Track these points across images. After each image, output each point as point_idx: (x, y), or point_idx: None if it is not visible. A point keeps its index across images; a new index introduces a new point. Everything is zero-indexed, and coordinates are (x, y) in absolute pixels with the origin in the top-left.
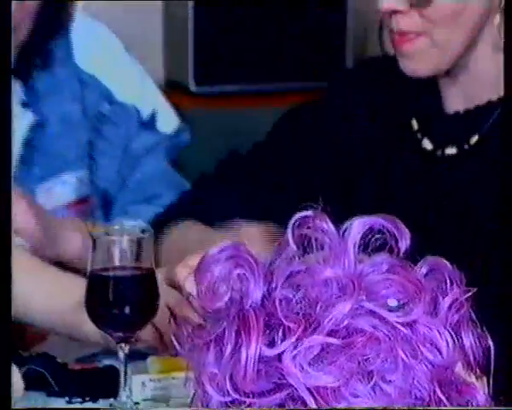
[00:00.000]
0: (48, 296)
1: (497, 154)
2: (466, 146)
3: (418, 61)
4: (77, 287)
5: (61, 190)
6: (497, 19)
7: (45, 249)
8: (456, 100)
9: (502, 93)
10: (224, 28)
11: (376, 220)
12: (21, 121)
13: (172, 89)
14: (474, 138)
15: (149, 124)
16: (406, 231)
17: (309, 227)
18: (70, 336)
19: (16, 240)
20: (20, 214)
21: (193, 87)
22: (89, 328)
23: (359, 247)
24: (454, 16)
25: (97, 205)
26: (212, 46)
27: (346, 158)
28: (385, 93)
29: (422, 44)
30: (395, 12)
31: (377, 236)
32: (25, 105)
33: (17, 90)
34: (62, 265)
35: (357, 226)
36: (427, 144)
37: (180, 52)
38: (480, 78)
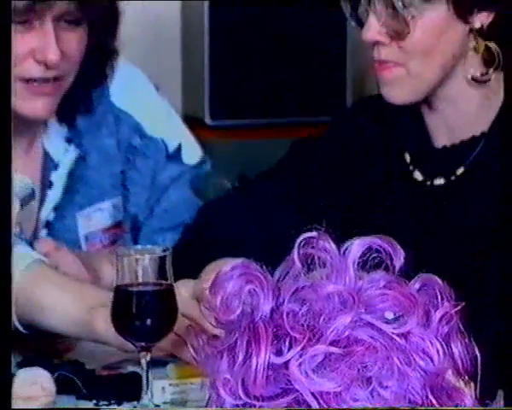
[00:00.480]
0: (66, 303)
1: (480, 184)
2: (453, 177)
3: (395, 88)
4: (89, 294)
5: (99, 216)
6: (471, 58)
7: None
8: (442, 135)
9: (484, 128)
10: (236, 69)
11: (374, 241)
12: (66, 155)
13: (190, 123)
14: (460, 170)
15: (175, 156)
16: (401, 250)
17: (313, 247)
18: (87, 338)
19: (34, 254)
20: (64, 262)
21: (208, 121)
22: (101, 329)
23: (358, 264)
24: (428, 50)
25: (128, 229)
26: (226, 85)
27: (345, 186)
28: (380, 129)
29: (399, 73)
30: (377, 43)
31: (374, 255)
32: (68, 141)
33: (62, 129)
34: None
35: (357, 246)
36: (418, 176)
37: (197, 90)
38: (460, 112)
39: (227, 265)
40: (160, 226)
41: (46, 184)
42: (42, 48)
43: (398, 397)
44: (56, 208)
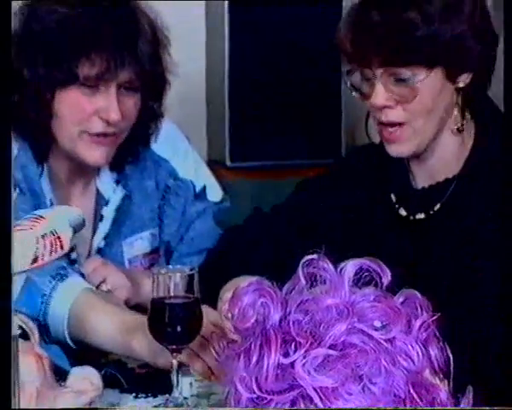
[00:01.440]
0: (108, 326)
1: (454, 217)
2: (431, 212)
3: (403, 144)
4: (127, 318)
5: (140, 243)
6: (455, 112)
7: (133, 297)
8: (422, 178)
9: (456, 171)
10: (251, 120)
11: (365, 262)
12: (114, 194)
13: (213, 165)
14: (437, 206)
15: (201, 195)
16: (387, 270)
17: (314, 267)
18: (125, 355)
19: (84, 283)
20: (114, 277)
21: (228, 163)
22: (137, 348)
23: (352, 282)
24: (429, 110)
25: (162, 254)
26: (243, 133)
27: (342, 220)
28: (371, 174)
29: (406, 132)
30: (384, 107)
31: (366, 274)
32: (117, 182)
33: (112, 174)
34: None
35: (351, 266)
36: (402, 212)
37: (219, 137)
38: (441, 159)
39: (244, 281)
40: (187, 252)
41: (98, 218)
42: (106, 108)
43: (384, 392)
44: (106, 237)
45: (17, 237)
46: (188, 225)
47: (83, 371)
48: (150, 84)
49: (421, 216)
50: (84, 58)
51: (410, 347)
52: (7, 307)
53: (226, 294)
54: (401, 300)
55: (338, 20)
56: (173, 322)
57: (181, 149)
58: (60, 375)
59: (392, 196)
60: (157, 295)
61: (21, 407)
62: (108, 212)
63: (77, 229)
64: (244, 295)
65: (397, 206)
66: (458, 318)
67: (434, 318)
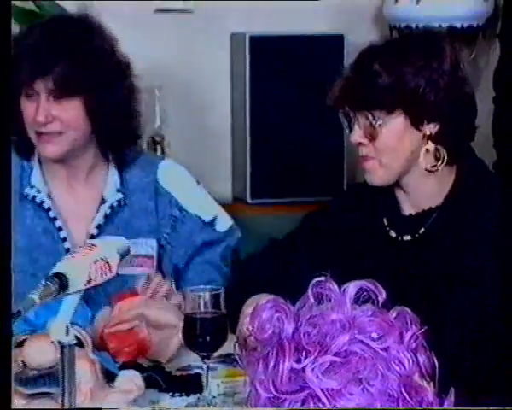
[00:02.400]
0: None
1: (436, 239)
2: (417, 235)
3: (372, 175)
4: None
5: (133, 246)
6: (422, 155)
7: None
8: (408, 206)
9: (439, 201)
10: (269, 164)
11: (364, 283)
12: (112, 197)
13: (237, 201)
14: (422, 230)
15: (209, 225)
16: (382, 290)
17: (321, 287)
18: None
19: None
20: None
21: (249, 200)
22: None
23: (353, 300)
24: (392, 149)
25: (172, 275)
26: (261, 175)
27: (343, 243)
28: (367, 204)
29: (374, 165)
30: (359, 143)
31: (364, 293)
32: (117, 191)
33: (117, 180)
34: None
35: (352, 287)
36: (392, 234)
37: (241, 178)
38: (420, 191)
39: (262, 299)
40: (193, 277)
41: (96, 212)
42: (35, 113)
43: (380, 392)
44: (98, 226)
45: (73, 262)
46: (195, 251)
47: (128, 373)
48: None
49: (408, 238)
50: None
51: (401, 355)
52: (6, 310)
53: (247, 309)
54: (394, 315)
55: None
56: (203, 333)
57: (186, 187)
58: (109, 377)
59: (384, 220)
60: (190, 311)
61: (77, 404)
62: (104, 208)
63: (123, 255)
64: (262, 311)
65: (387, 228)
66: (442, 330)
67: (422, 331)
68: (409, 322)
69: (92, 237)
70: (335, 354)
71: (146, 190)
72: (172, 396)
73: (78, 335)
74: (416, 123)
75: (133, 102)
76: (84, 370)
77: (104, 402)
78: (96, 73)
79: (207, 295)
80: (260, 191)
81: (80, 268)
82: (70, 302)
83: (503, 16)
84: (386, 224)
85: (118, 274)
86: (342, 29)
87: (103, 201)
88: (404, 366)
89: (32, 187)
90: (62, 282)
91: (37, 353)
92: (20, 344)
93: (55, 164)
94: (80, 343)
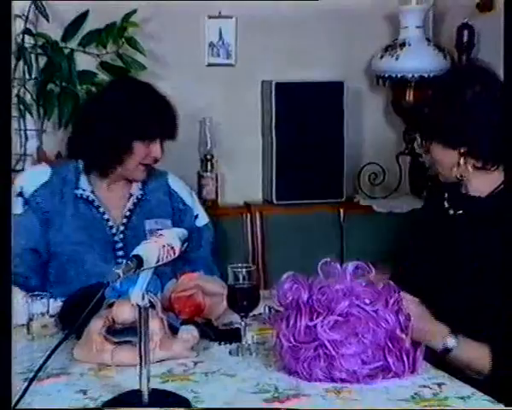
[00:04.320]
0: None
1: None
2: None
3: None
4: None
5: (154, 224)
6: (457, 166)
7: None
8: (464, 192)
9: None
10: (289, 175)
11: (359, 263)
12: (136, 192)
13: (265, 203)
14: (471, 208)
15: (197, 217)
16: (372, 268)
17: (328, 266)
18: None
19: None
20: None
21: (275, 201)
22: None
23: (352, 274)
24: (438, 162)
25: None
26: (284, 182)
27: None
28: (438, 196)
29: (436, 170)
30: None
31: (360, 270)
32: (140, 189)
33: (139, 187)
34: None
35: (351, 266)
36: (450, 211)
37: (268, 185)
38: (471, 186)
39: (286, 275)
40: (198, 253)
41: (126, 203)
42: (156, 152)
43: (371, 343)
44: (129, 210)
45: (147, 247)
46: (195, 232)
47: (187, 328)
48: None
49: (460, 212)
50: (149, 127)
51: (387, 315)
52: (6, 311)
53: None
54: (381, 286)
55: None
56: (242, 299)
57: (186, 191)
58: (173, 331)
59: (445, 203)
60: (232, 283)
61: (150, 350)
62: (132, 199)
63: (183, 241)
64: (284, 283)
65: (448, 207)
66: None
67: (401, 298)
68: (392, 291)
69: (126, 217)
70: (339, 315)
71: (161, 190)
72: (219, 344)
73: (151, 299)
74: (450, 147)
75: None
76: (155, 325)
77: (169, 349)
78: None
79: (244, 271)
80: (283, 195)
81: (152, 251)
82: (145, 276)
83: None
84: (447, 205)
85: (179, 255)
86: (342, 77)
87: (131, 195)
88: (388, 323)
89: (80, 188)
90: (139, 261)
91: (121, 312)
92: (110, 306)
93: (99, 175)
94: (152, 306)
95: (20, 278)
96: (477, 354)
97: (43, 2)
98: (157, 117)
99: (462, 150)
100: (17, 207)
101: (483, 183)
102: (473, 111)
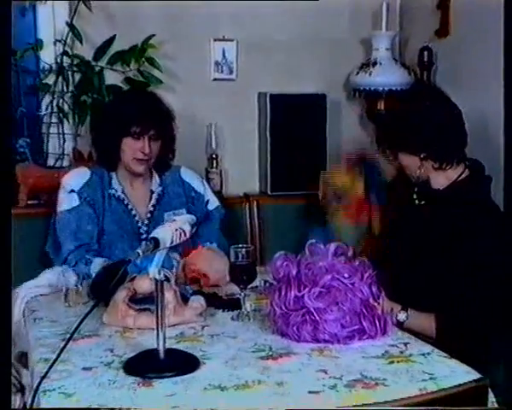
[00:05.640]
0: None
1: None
2: (426, 201)
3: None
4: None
5: (171, 215)
6: (419, 169)
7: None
8: (426, 188)
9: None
10: (283, 169)
11: (339, 244)
12: (157, 189)
13: (261, 194)
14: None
15: (207, 203)
16: (350, 248)
17: (314, 246)
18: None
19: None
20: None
21: (270, 192)
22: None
23: (333, 254)
24: (405, 167)
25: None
26: (278, 175)
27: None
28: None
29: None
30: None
31: (340, 250)
32: (159, 185)
33: (157, 182)
34: None
35: (332, 246)
36: (416, 200)
37: (264, 177)
38: (432, 182)
39: (278, 254)
40: (202, 232)
41: (150, 199)
42: (143, 148)
43: (349, 310)
44: (153, 206)
45: (163, 230)
46: (206, 215)
47: (196, 298)
48: (166, 137)
49: (423, 203)
50: (134, 126)
51: (362, 287)
52: (6, 312)
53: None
54: (357, 263)
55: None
56: (241, 274)
57: (197, 181)
58: (184, 300)
59: (414, 195)
60: (234, 260)
61: (165, 316)
62: (153, 198)
63: (192, 225)
64: (277, 261)
65: (415, 198)
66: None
67: (374, 273)
68: (366, 267)
69: (150, 212)
70: (322, 287)
71: (175, 183)
72: (223, 311)
73: (166, 274)
74: (413, 154)
75: (174, 144)
76: (170, 295)
77: (181, 315)
78: (168, 128)
79: (243, 251)
80: (276, 187)
81: (167, 234)
82: (160, 255)
83: None
84: (415, 197)
85: (189, 238)
86: (325, 90)
87: (152, 192)
88: (363, 294)
89: (113, 189)
90: (156, 243)
91: (142, 285)
92: (132, 279)
93: (128, 175)
94: (167, 279)
95: (85, 247)
96: (425, 324)
97: (79, 29)
98: (140, 114)
99: (422, 155)
100: (74, 200)
101: (441, 179)
102: (428, 123)
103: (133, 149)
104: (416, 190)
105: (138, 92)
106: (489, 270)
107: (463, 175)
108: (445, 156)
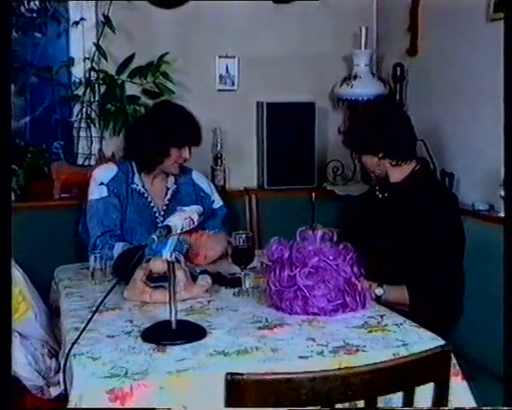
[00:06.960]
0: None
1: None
2: (387, 194)
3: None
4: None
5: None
6: (379, 167)
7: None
8: (386, 181)
9: (399, 180)
10: (278, 166)
11: (326, 230)
12: (172, 187)
13: (259, 188)
14: (389, 192)
15: (213, 202)
16: (335, 234)
17: (304, 233)
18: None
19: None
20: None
21: (266, 186)
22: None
23: (320, 239)
24: (367, 167)
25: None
26: (273, 172)
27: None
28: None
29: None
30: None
31: (326, 235)
32: (174, 184)
33: (172, 181)
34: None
35: (320, 233)
36: (379, 195)
37: (261, 173)
38: (390, 176)
39: (273, 239)
40: (209, 225)
41: (165, 195)
42: (185, 155)
43: (334, 287)
44: (168, 200)
45: (175, 219)
46: (211, 212)
47: (204, 276)
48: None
49: (385, 195)
50: (181, 138)
51: (345, 267)
52: (6, 312)
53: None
54: (341, 247)
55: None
56: (242, 256)
57: (206, 183)
58: (193, 278)
59: (377, 189)
60: (235, 244)
61: (177, 292)
62: (169, 193)
63: (200, 215)
64: (272, 245)
65: (378, 193)
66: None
67: (355, 255)
68: (349, 251)
69: (166, 205)
70: (311, 267)
71: (187, 183)
72: (226, 288)
73: (177, 256)
74: (373, 154)
75: None
76: (180, 274)
77: (191, 292)
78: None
79: (244, 236)
80: (272, 182)
81: (178, 222)
82: (172, 240)
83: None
84: (377, 191)
85: (197, 225)
86: (314, 99)
87: (168, 188)
88: (346, 273)
89: (135, 184)
90: (168, 229)
91: (156, 265)
92: (148, 261)
93: (149, 174)
94: (178, 261)
95: (110, 233)
96: (400, 295)
97: (104, 49)
98: (186, 130)
99: (380, 155)
100: (103, 191)
101: (398, 174)
102: (383, 128)
103: (177, 156)
104: (376, 186)
105: (178, 108)
106: (444, 242)
107: (415, 169)
108: (399, 154)
